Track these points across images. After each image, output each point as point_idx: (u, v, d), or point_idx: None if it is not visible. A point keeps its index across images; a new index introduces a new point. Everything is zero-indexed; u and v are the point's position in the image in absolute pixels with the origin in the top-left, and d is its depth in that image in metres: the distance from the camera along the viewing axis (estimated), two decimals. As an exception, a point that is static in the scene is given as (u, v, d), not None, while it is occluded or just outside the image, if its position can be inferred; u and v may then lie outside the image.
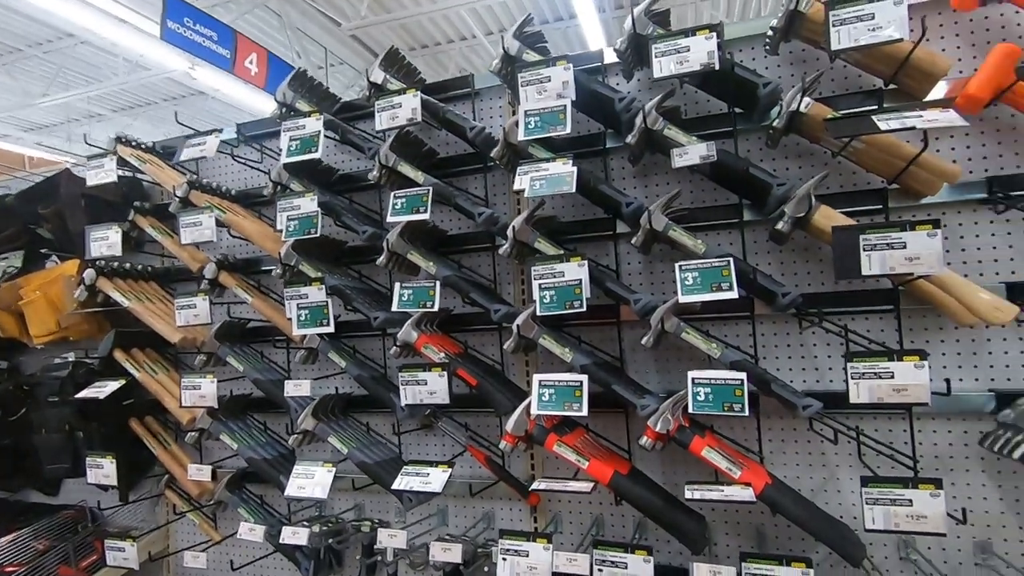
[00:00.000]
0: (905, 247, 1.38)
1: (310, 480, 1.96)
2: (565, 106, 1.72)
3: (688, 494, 1.56)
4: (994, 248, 1.65)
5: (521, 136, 1.76)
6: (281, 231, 2.07)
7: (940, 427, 1.68)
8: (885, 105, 1.68)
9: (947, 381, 1.52)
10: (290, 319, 2.05)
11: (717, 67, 1.58)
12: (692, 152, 1.62)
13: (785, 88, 1.67)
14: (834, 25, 1.47)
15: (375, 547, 2.01)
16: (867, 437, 1.69)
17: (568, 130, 1.71)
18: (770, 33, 1.69)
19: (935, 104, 1.48)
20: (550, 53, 1.92)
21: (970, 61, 1.69)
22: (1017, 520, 1.62)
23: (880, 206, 1.71)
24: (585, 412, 1.62)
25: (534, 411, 1.67)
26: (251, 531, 2.09)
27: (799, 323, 1.80)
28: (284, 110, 2.25)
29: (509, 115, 2.15)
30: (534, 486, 1.76)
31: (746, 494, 1.49)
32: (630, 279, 2.00)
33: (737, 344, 1.80)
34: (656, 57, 1.63)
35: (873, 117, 1.44)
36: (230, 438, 2.23)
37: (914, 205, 1.69)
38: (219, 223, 2.25)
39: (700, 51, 1.59)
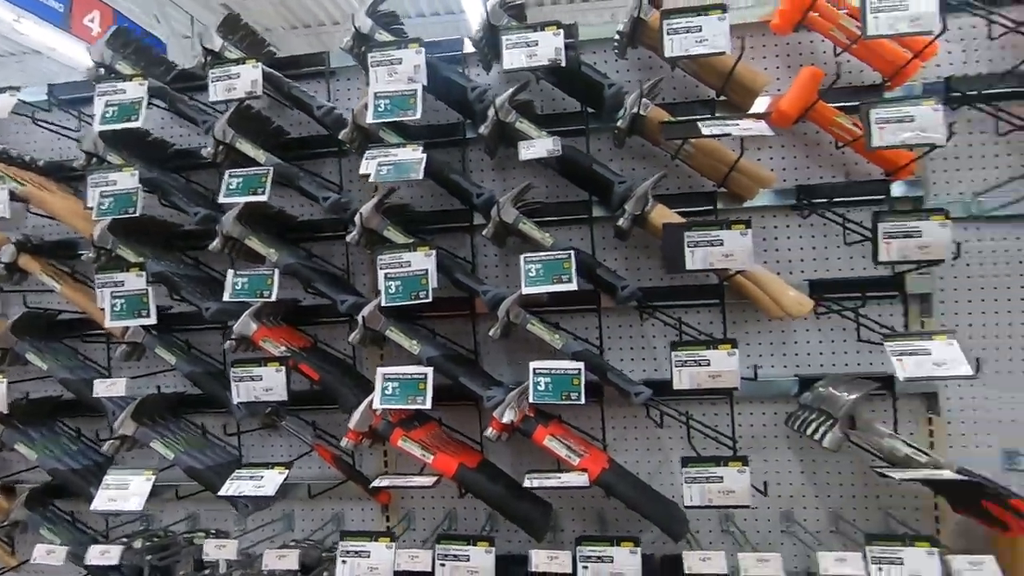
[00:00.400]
0: (723, 244, 1.50)
1: (124, 491, 1.73)
2: (416, 91, 1.67)
3: (527, 483, 1.59)
4: (801, 249, 1.85)
5: (370, 119, 1.68)
6: (92, 209, 1.81)
7: (756, 410, 1.85)
8: (716, 114, 1.82)
9: (755, 368, 1.68)
10: (103, 309, 1.80)
11: (564, 64, 1.61)
12: (539, 146, 1.64)
13: (633, 92, 1.74)
14: (668, 34, 1.56)
15: (206, 560, 1.83)
16: (696, 421, 1.82)
17: (418, 115, 1.66)
18: (617, 37, 1.76)
19: (753, 116, 1.62)
20: (406, 35, 1.86)
21: (787, 80, 1.87)
22: (814, 490, 1.84)
23: (711, 207, 1.85)
24: (429, 405, 1.59)
25: (377, 405, 1.61)
26: (50, 553, 1.81)
27: (640, 316, 1.90)
28: (102, 71, 1.96)
29: (368, 97, 2.05)
30: (375, 483, 1.70)
31: (581, 480, 1.54)
32: (487, 271, 1.99)
33: (585, 336, 1.86)
34: (506, 49, 1.64)
35: (699, 123, 1.55)
36: (27, 447, 1.92)
37: (738, 208, 1.84)
38: (17, 197, 1.93)
39: (548, 46, 1.62)
